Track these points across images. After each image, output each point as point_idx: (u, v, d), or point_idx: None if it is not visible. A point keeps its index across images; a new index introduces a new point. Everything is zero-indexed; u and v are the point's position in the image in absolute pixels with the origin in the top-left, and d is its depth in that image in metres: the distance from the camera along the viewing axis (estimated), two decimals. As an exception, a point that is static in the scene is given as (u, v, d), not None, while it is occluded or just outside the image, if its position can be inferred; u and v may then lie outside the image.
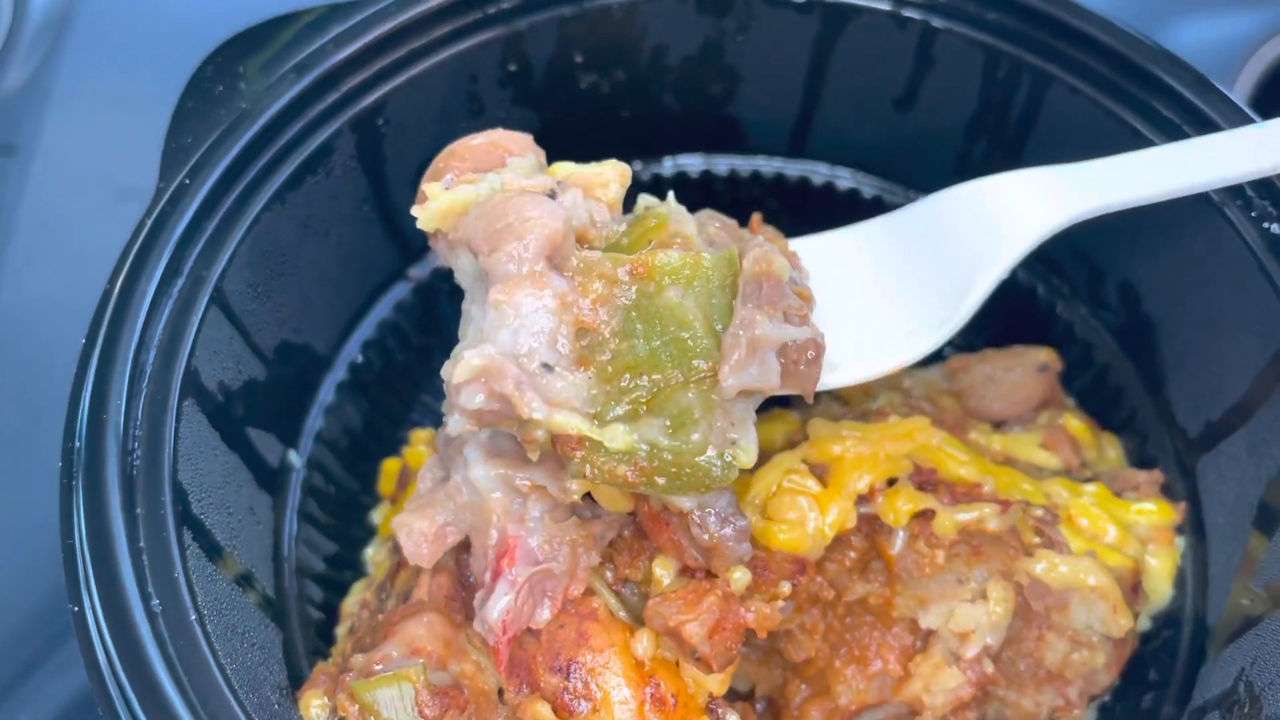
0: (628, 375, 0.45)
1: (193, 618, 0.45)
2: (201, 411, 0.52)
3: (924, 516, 0.54)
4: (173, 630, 0.44)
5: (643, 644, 0.50)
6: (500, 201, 0.47)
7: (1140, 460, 0.64)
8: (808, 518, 0.53)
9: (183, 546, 0.47)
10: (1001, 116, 0.64)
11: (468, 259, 0.48)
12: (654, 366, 0.45)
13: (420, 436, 0.65)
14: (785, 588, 0.52)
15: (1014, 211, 0.54)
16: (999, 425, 0.64)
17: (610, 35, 0.64)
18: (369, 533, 0.66)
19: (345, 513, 0.65)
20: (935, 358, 0.73)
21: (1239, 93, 0.74)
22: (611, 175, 0.50)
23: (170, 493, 0.48)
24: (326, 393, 0.65)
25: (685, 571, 0.51)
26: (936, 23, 0.62)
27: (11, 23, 0.65)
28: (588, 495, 0.51)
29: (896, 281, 0.57)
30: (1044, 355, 0.65)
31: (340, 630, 0.60)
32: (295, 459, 0.62)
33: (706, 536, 0.49)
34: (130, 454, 0.47)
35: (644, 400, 0.45)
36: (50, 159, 0.63)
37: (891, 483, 0.55)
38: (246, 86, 0.59)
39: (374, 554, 0.64)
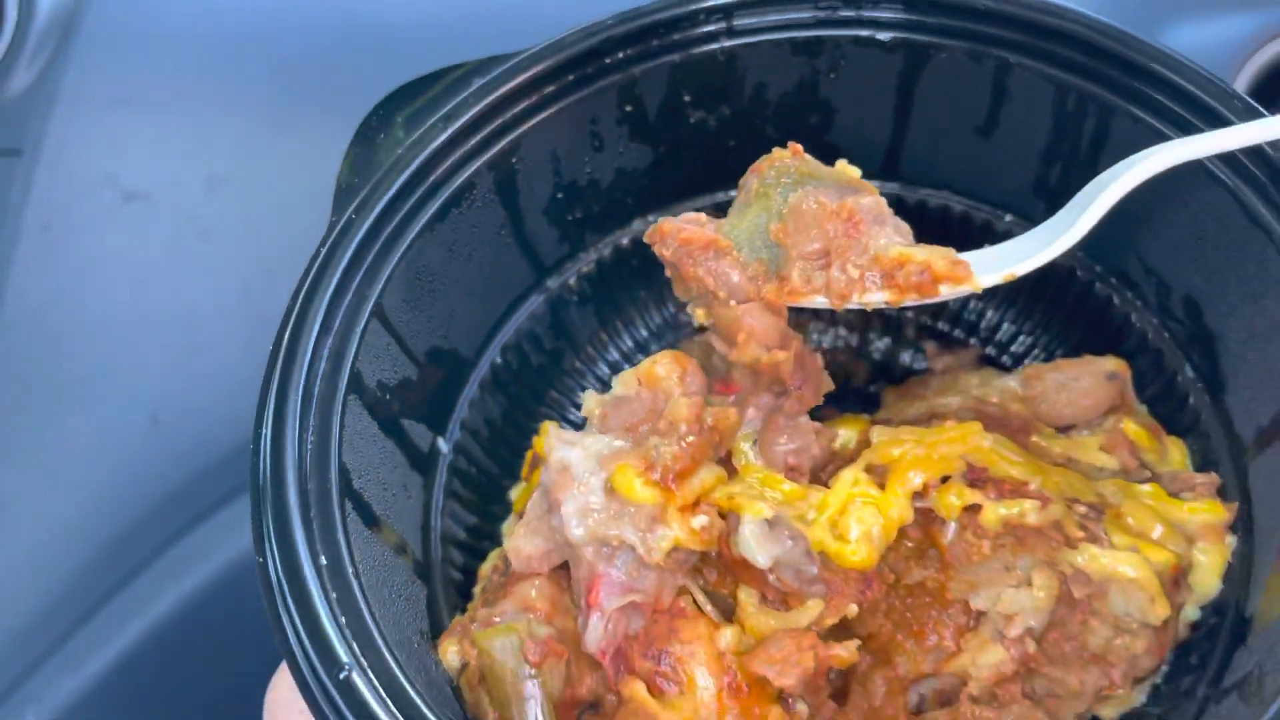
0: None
1: (349, 571, 0.57)
2: (362, 405, 0.64)
3: (972, 510, 0.61)
4: (334, 580, 0.56)
5: (725, 638, 0.60)
6: None
7: (1203, 464, 0.68)
8: (872, 529, 0.60)
9: (344, 515, 0.59)
10: (1074, 144, 0.69)
11: None
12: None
13: (545, 428, 0.75)
14: (853, 610, 0.61)
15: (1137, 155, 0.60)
16: (1068, 430, 0.70)
17: (715, 77, 0.73)
18: (506, 509, 0.77)
19: (486, 490, 0.76)
20: (1013, 365, 0.79)
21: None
22: None
23: (335, 471, 0.59)
24: (470, 389, 0.76)
25: (764, 601, 0.62)
26: (1011, 59, 0.68)
27: (17, 25, 0.66)
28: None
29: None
30: (1112, 364, 0.70)
31: (476, 590, 0.71)
32: (443, 445, 0.73)
33: (782, 587, 0.61)
34: (305, 441, 0.59)
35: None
36: (56, 161, 0.63)
37: (945, 480, 0.62)
38: (403, 134, 0.70)
39: (507, 526, 0.75)
